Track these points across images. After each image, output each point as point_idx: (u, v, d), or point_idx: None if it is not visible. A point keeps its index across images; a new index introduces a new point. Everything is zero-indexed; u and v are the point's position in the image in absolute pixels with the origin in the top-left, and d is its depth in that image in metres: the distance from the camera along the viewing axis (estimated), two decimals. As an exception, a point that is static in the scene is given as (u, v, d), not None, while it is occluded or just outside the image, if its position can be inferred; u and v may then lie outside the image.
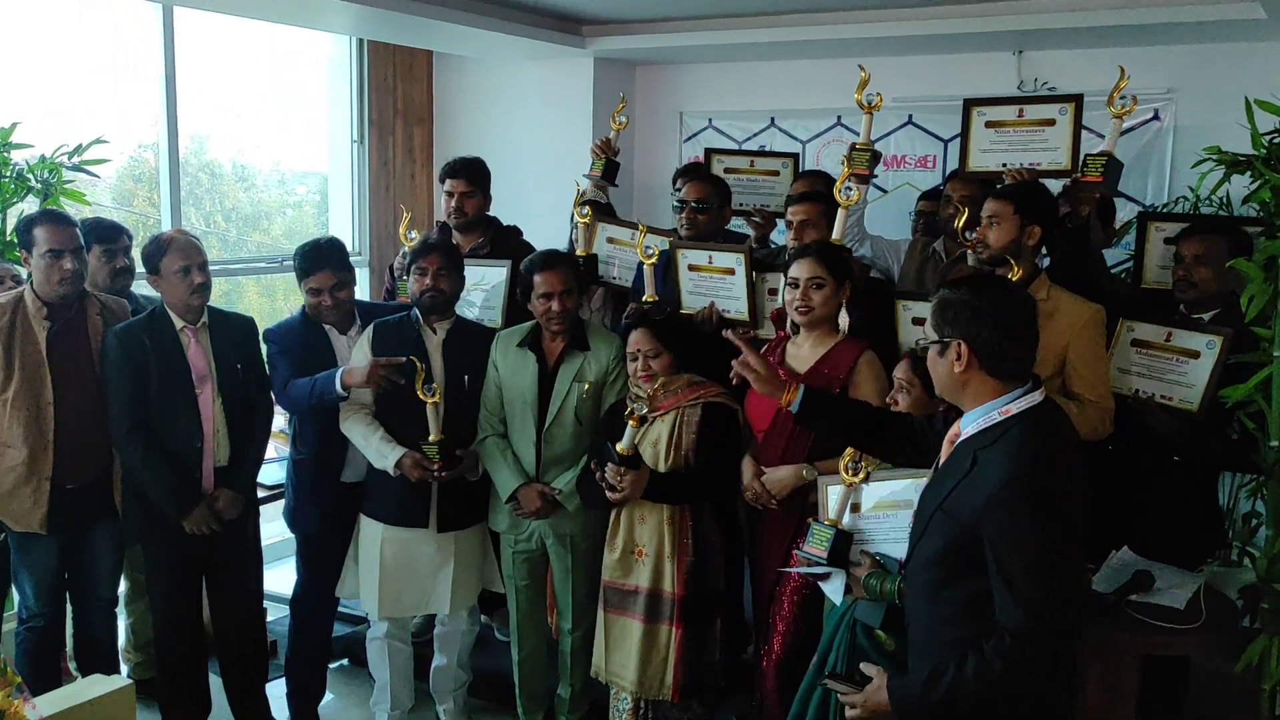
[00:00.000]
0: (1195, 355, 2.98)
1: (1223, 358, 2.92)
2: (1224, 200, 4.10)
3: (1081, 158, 3.45)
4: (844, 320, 3.16)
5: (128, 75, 5.02)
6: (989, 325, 2.16)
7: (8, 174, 3.96)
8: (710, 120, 5.95)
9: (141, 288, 4.05)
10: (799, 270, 3.17)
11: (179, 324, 3.48)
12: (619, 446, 3.16)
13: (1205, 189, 3.60)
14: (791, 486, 3.17)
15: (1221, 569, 3.38)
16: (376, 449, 3.52)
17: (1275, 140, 2.82)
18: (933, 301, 2.26)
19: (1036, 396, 2.18)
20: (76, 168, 4.12)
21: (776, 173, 4.54)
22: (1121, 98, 3.27)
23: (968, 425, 2.21)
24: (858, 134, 3.75)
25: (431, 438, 3.44)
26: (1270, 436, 2.81)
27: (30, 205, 4.03)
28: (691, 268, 3.72)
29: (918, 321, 3.20)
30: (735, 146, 5.71)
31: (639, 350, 3.28)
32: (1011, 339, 2.17)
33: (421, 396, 3.40)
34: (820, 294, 3.15)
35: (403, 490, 3.53)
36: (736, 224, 4.53)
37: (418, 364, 3.43)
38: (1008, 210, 3.15)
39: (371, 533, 3.65)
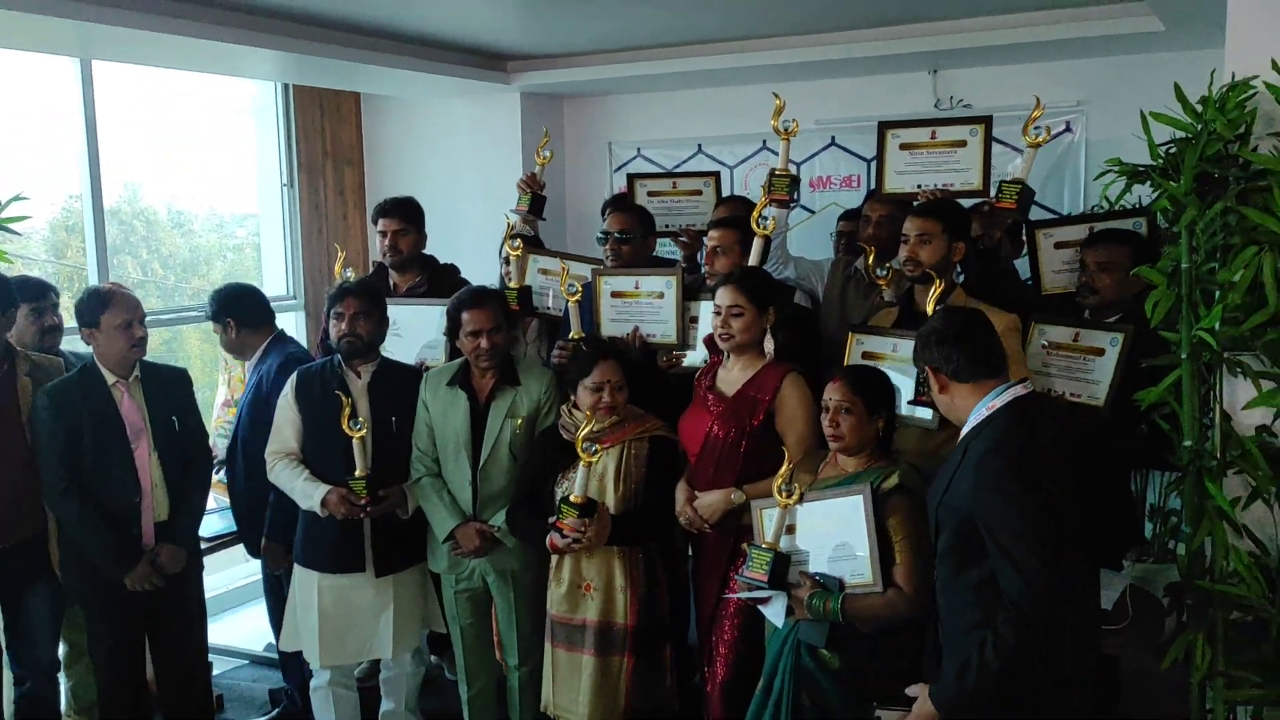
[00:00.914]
0: (1100, 353, 3.12)
1: (1125, 353, 3.03)
2: (1135, 205, 4.22)
3: (995, 181, 3.56)
4: (769, 345, 3.21)
5: (53, 127, 4.97)
6: (937, 346, 2.51)
7: (-75, 235, 3.89)
8: (639, 149, 6.01)
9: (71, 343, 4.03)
10: (720, 298, 3.23)
11: (111, 379, 3.45)
12: (573, 495, 3.14)
13: (1114, 196, 3.73)
14: (722, 511, 3.19)
15: (1154, 566, 3.46)
16: (302, 490, 3.50)
17: (1171, 151, 2.91)
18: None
19: (1019, 389, 2.47)
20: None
21: (699, 192, 4.60)
22: (1036, 127, 3.37)
23: (967, 427, 2.49)
24: (780, 156, 3.82)
25: (358, 473, 3.43)
26: (1184, 436, 2.89)
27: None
28: (615, 294, 3.75)
29: (868, 356, 3.26)
30: (660, 171, 5.78)
31: (606, 381, 3.26)
32: (961, 347, 2.48)
33: (347, 431, 3.39)
34: (740, 321, 3.20)
35: (337, 536, 3.51)
36: (666, 248, 4.58)
37: (344, 398, 3.42)
38: (938, 229, 3.25)
39: (308, 581, 3.61)
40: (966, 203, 3.62)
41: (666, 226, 4.37)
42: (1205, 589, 2.79)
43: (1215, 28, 3.17)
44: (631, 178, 4.56)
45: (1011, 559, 2.28)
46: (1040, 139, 3.39)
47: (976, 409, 2.47)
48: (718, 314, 3.23)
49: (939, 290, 3.03)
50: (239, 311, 3.93)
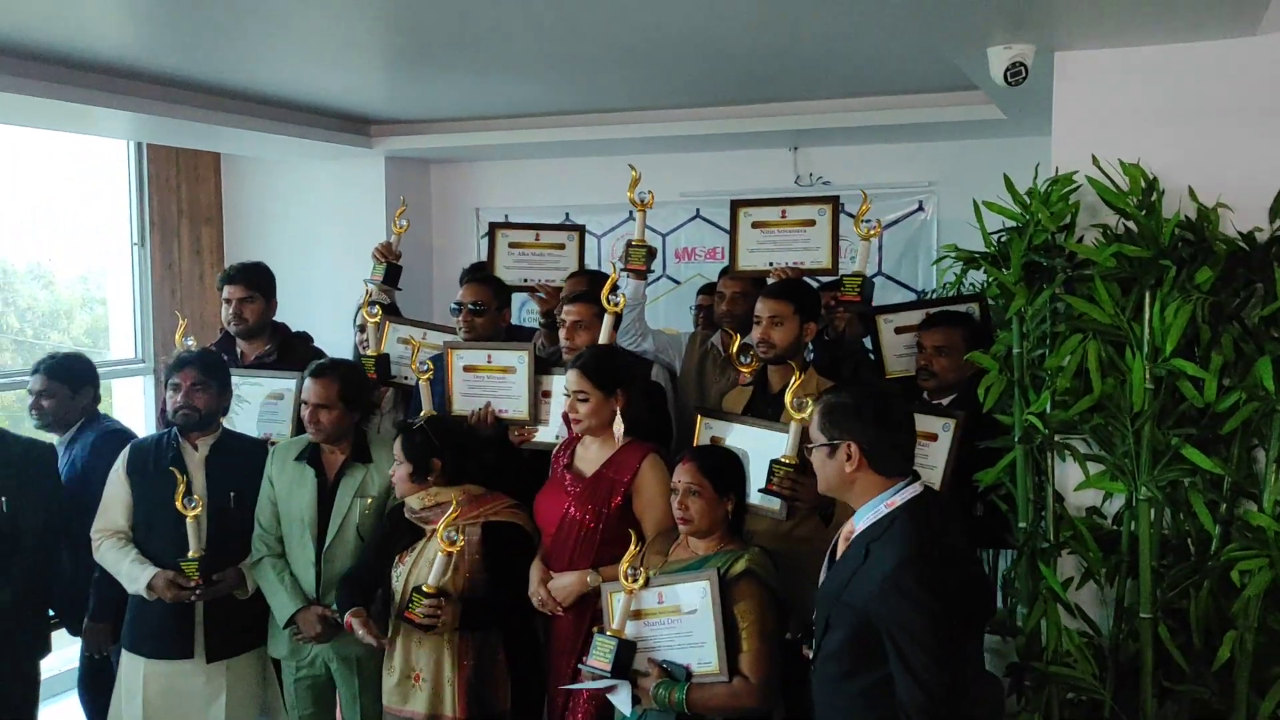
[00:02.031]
0: (934, 438, 3.15)
1: (957, 438, 3.10)
2: (974, 286, 4.38)
3: (839, 259, 3.67)
4: (618, 428, 3.17)
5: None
6: (874, 426, 2.35)
7: None
8: (506, 215, 5.95)
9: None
10: (568, 382, 3.20)
11: None
12: (428, 582, 3.04)
13: (951, 279, 3.88)
14: (577, 593, 3.12)
15: (998, 643, 3.52)
16: (128, 572, 3.32)
17: (1003, 239, 3.02)
18: (818, 406, 2.44)
19: (917, 487, 2.36)
20: None
21: (562, 246, 4.57)
22: (866, 220, 3.46)
23: (860, 520, 2.38)
24: (650, 228, 3.85)
25: (190, 554, 3.27)
26: (1019, 517, 2.97)
27: None
28: (467, 369, 3.69)
29: (717, 441, 3.26)
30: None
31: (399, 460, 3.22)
32: (896, 437, 2.38)
33: (181, 510, 3.24)
34: (585, 406, 3.16)
35: (164, 618, 3.33)
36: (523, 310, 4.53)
37: (178, 475, 3.27)
38: (789, 310, 3.28)
39: (133, 667, 3.40)
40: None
41: (525, 280, 4.34)
42: (1040, 670, 2.85)
43: (1049, 118, 3.33)
44: (494, 226, 4.51)
45: (912, 670, 2.19)
46: (870, 232, 3.48)
47: (873, 503, 2.36)
48: (566, 396, 3.20)
49: (798, 380, 3.04)
50: (88, 379, 3.81)
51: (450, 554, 3.04)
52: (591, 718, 3.13)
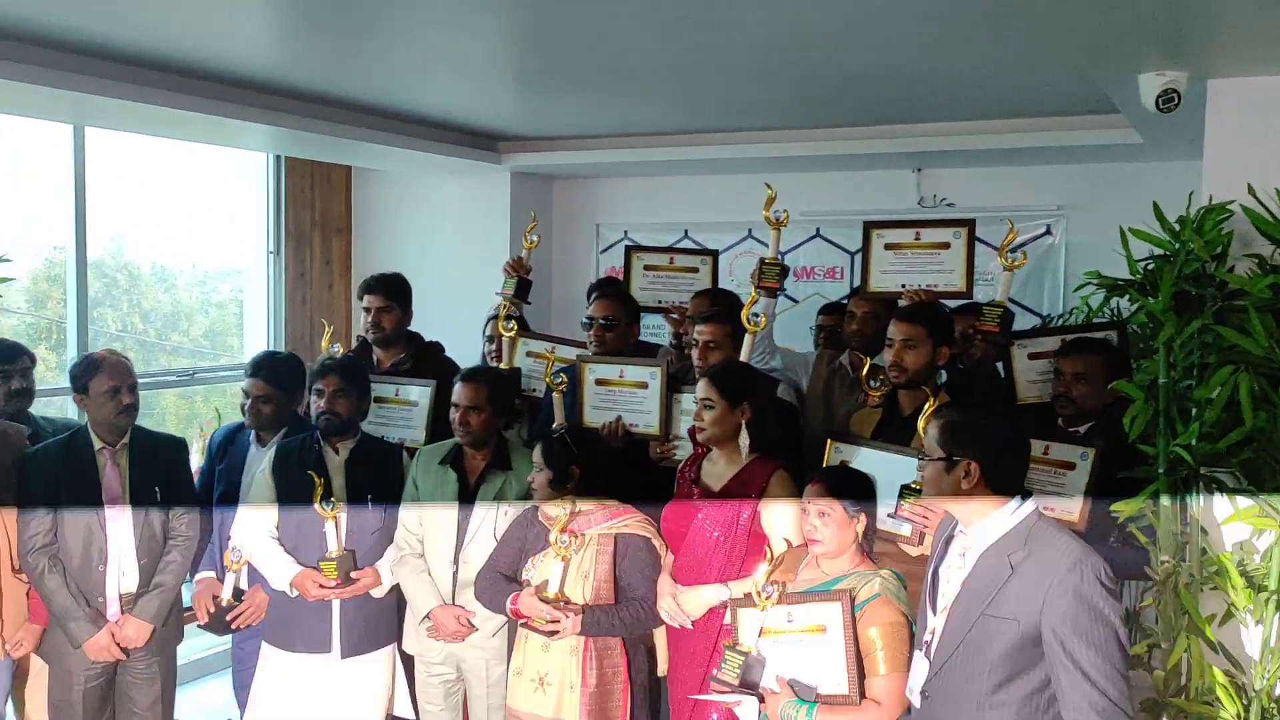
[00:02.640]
0: (1071, 466, 3.11)
1: (1096, 468, 3.04)
2: (1114, 312, 4.30)
3: (973, 283, 3.64)
4: (744, 441, 3.19)
5: (41, 181, 4.98)
6: (995, 446, 2.37)
7: (-93, 293, 3.86)
8: (626, 232, 6.08)
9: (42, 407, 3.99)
10: (697, 390, 3.24)
11: (98, 444, 3.44)
12: (549, 592, 3.11)
13: (1094, 305, 3.81)
14: (707, 607, 3.16)
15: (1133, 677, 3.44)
16: (273, 569, 3.46)
17: (1149, 266, 2.97)
18: (937, 421, 2.46)
19: (1033, 504, 2.38)
20: (-21, 285, 4.04)
21: (696, 270, 4.63)
22: (1011, 250, 3.44)
23: (979, 536, 2.39)
24: (767, 246, 3.88)
25: (330, 553, 3.39)
26: (1161, 550, 2.91)
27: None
28: (599, 382, 3.75)
29: (844, 464, 3.26)
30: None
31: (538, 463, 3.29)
32: (1015, 459, 2.40)
33: (320, 513, 3.36)
34: (710, 414, 3.19)
35: (303, 614, 3.46)
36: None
37: (316, 479, 3.40)
38: (923, 334, 3.27)
39: (273, 659, 3.55)
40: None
41: (659, 302, 4.40)
42: (1180, 708, 2.78)
43: (1193, 143, 3.27)
44: (630, 250, 4.59)
45: (1087, 673, 2.19)
46: (1015, 263, 3.45)
47: (995, 516, 2.38)
48: (696, 405, 3.25)
49: (931, 406, 3.04)
50: (302, 384, 3.86)
51: (566, 560, 3.10)
52: (716, 732, 3.16)
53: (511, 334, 3.97)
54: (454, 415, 3.47)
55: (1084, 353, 3.47)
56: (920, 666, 2.53)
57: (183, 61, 3.93)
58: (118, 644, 3.41)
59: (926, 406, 3.04)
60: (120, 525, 3.43)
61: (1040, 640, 2.26)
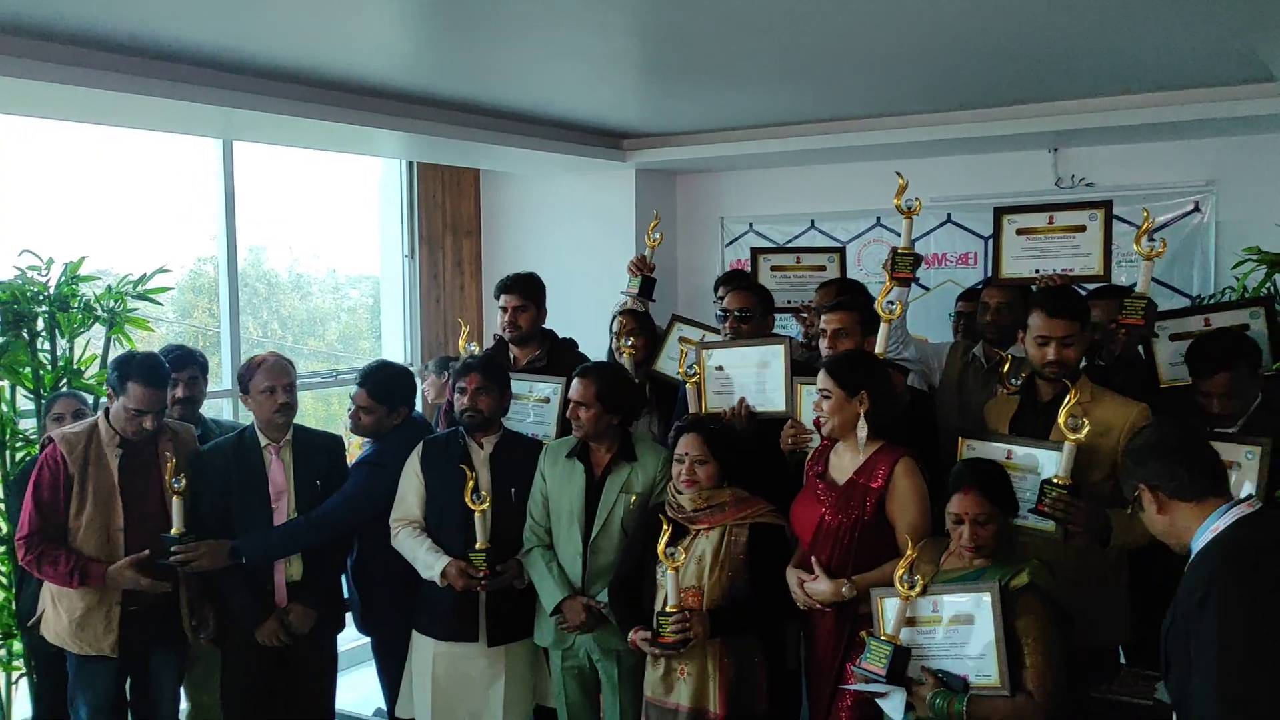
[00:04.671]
0: (1236, 466, 2.93)
1: (1265, 465, 2.88)
2: (1275, 288, 4.08)
3: (1110, 266, 3.51)
4: (862, 431, 3.15)
5: (188, 195, 5.25)
6: (1154, 458, 2.28)
7: (76, 305, 4.13)
8: (751, 224, 6.05)
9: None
10: (817, 381, 3.21)
11: (264, 441, 3.65)
12: (669, 605, 3.13)
13: (1252, 283, 3.62)
14: (836, 598, 3.12)
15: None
16: (423, 560, 3.57)
17: (1315, 240, 2.82)
18: (1123, 461, 2.40)
19: (1245, 507, 2.22)
20: (141, 295, 4.28)
21: (823, 268, 4.60)
22: (1150, 239, 3.30)
23: (1193, 555, 2.26)
24: (897, 233, 3.80)
25: (478, 545, 3.48)
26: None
27: (97, 333, 4.20)
28: (719, 368, 3.75)
29: None
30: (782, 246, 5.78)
31: (686, 455, 3.27)
32: (1183, 462, 2.26)
33: (470, 505, 3.45)
34: (828, 404, 3.16)
35: (452, 605, 3.56)
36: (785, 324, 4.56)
37: (469, 472, 3.49)
38: (1078, 328, 3.18)
39: (423, 649, 3.66)
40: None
41: (789, 302, 4.37)
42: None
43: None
44: (755, 251, 4.58)
45: (1203, 682, 2.10)
46: (1155, 252, 3.30)
47: (1200, 532, 2.24)
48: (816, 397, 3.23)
49: (1074, 398, 2.94)
50: (408, 399, 3.96)
51: (676, 570, 3.10)
52: (858, 720, 3.13)
53: (631, 351, 4.02)
54: (570, 409, 3.52)
55: (1223, 369, 3.33)
56: None
57: (321, 74, 4.11)
58: (285, 629, 3.58)
59: (1068, 400, 2.94)
60: (287, 517, 3.62)
61: None
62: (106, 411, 3.51)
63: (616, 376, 3.65)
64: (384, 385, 3.86)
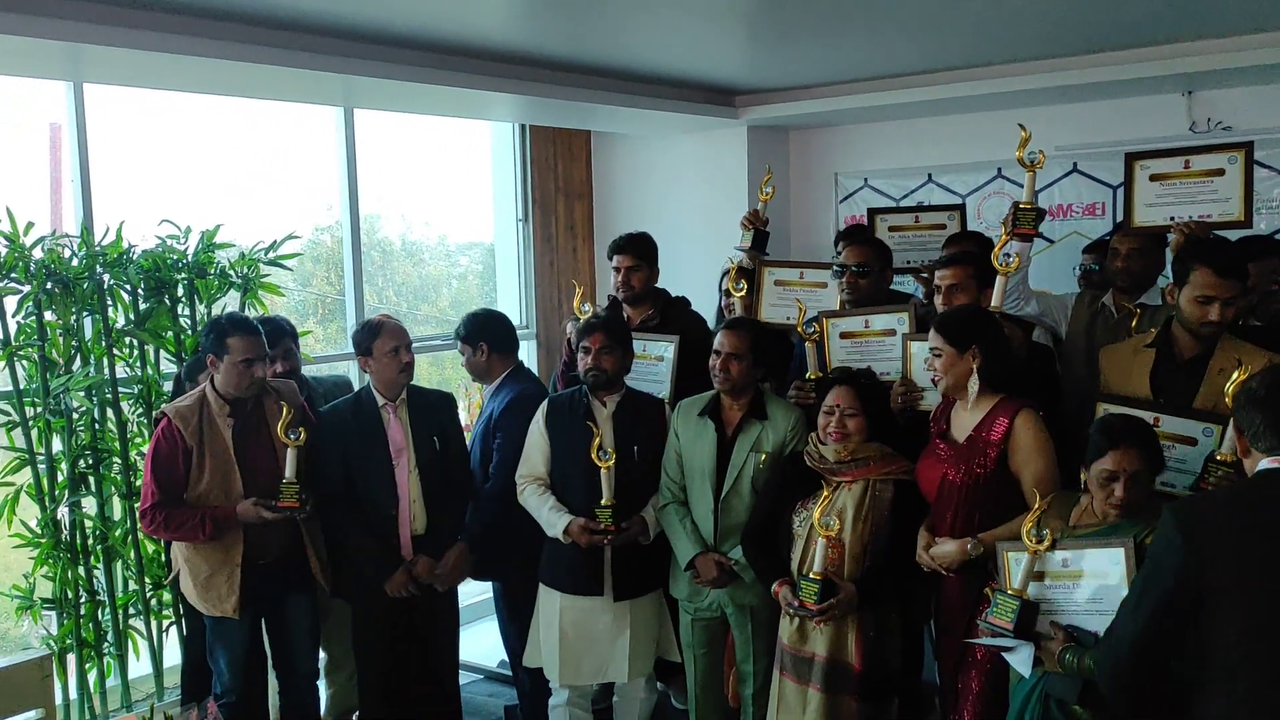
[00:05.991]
0: None
1: None
2: None
3: (1252, 211, 3.35)
4: (973, 386, 3.09)
5: (308, 166, 5.41)
6: (1243, 403, 2.30)
7: (213, 271, 4.31)
8: (866, 180, 5.95)
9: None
10: (929, 339, 3.16)
11: (381, 401, 3.76)
12: (814, 571, 3.14)
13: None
14: (957, 561, 3.08)
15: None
16: (547, 518, 3.65)
17: None
18: None
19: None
20: (272, 262, 4.45)
21: (943, 226, 4.51)
22: None
23: None
24: (1019, 185, 3.71)
25: (604, 501, 3.53)
26: None
27: (232, 298, 4.38)
28: (844, 335, 3.72)
29: None
30: (893, 204, 5.68)
31: (838, 406, 3.26)
32: (1261, 410, 2.25)
33: (597, 462, 3.51)
34: (940, 362, 3.14)
35: (577, 559, 3.64)
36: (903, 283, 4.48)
37: (595, 429, 3.55)
38: (1241, 287, 3.06)
39: (550, 601, 3.76)
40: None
41: (908, 262, 4.30)
42: None
43: None
44: (872, 212, 4.52)
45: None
46: None
47: None
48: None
49: (1242, 374, 2.75)
50: (493, 336, 4.09)
51: (829, 539, 3.12)
52: (985, 676, 3.10)
53: (741, 294, 4.00)
54: (714, 362, 3.54)
55: None
56: None
57: (437, 38, 4.17)
58: (413, 580, 3.70)
59: (1236, 375, 2.78)
60: (408, 473, 3.73)
61: None
62: (212, 380, 3.59)
63: (767, 331, 3.71)
64: (460, 328, 4.07)
